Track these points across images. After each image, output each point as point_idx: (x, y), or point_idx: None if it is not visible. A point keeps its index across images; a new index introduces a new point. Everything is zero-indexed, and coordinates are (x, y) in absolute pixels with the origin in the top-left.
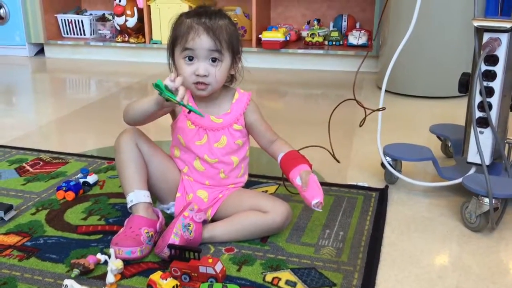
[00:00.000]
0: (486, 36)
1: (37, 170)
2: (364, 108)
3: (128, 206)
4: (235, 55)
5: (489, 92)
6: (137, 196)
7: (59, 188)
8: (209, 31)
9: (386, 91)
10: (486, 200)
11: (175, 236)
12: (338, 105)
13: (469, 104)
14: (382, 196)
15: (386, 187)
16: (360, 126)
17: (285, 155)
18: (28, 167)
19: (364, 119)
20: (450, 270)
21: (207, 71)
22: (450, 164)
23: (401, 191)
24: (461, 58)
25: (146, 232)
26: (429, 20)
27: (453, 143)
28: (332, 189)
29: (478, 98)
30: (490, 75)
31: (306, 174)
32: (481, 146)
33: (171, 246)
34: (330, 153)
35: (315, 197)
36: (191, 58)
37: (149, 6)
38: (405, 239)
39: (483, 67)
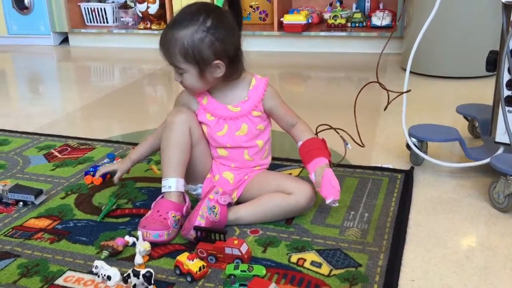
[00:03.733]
0: None
1: (65, 156)
2: (388, 91)
3: (163, 190)
4: (206, 64)
5: None
6: (178, 184)
7: (87, 173)
8: (161, 46)
9: (410, 72)
10: None
11: (201, 218)
12: (361, 88)
13: (497, 83)
14: (408, 177)
15: (412, 168)
16: (385, 110)
17: (303, 145)
18: (56, 153)
19: (389, 102)
20: (477, 250)
21: (177, 78)
22: (477, 145)
23: (426, 172)
24: (487, 36)
25: (173, 216)
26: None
27: (481, 123)
28: (356, 171)
29: (506, 76)
30: None
31: (321, 171)
32: (509, 125)
33: (197, 228)
34: (353, 138)
35: (328, 196)
36: None
37: None
38: (431, 220)
39: None
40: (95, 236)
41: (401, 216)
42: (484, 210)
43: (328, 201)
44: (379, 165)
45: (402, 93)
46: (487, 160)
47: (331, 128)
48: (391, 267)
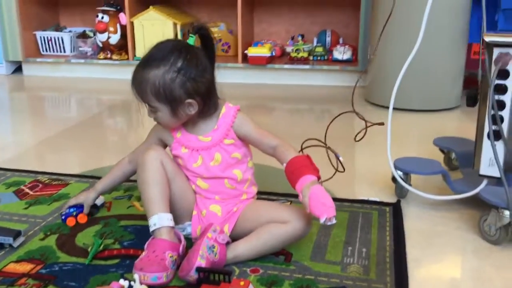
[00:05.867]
0: (496, 51)
1: (38, 193)
2: (365, 121)
3: (151, 229)
4: (178, 103)
5: (501, 105)
6: (161, 220)
7: (67, 216)
8: (133, 85)
9: (376, 104)
10: (507, 212)
11: (201, 258)
12: (336, 116)
13: (479, 117)
14: (396, 210)
15: (398, 201)
16: (357, 141)
17: (287, 166)
18: (27, 190)
19: (365, 132)
20: (480, 284)
21: (150, 115)
22: (455, 177)
23: (411, 205)
24: (447, 72)
25: (170, 256)
26: (417, 35)
27: (460, 156)
28: (344, 205)
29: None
30: (501, 89)
31: (307, 190)
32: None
33: (199, 269)
34: (335, 154)
35: (321, 215)
36: None
37: (132, 23)
38: (428, 255)
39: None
40: (85, 280)
41: (398, 251)
42: (475, 243)
43: (322, 221)
44: (366, 198)
45: (378, 123)
46: (473, 193)
47: (317, 145)
48: None
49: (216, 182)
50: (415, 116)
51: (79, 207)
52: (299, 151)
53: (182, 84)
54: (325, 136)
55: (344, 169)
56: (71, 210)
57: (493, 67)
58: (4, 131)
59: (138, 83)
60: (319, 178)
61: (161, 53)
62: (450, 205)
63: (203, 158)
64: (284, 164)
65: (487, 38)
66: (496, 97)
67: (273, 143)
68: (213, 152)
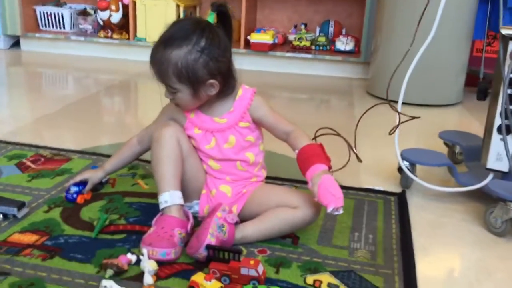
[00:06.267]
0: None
1: (40, 167)
2: (399, 113)
3: (161, 206)
4: (200, 84)
5: None
6: (173, 197)
7: (77, 193)
8: (152, 65)
9: (377, 97)
10: None
11: (211, 236)
12: (369, 108)
13: (489, 111)
14: (401, 200)
15: (403, 191)
16: (391, 134)
17: (299, 153)
18: (29, 163)
19: (398, 126)
20: (487, 275)
21: (168, 96)
22: (460, 171)
23: (415, 195)
24: (450, 69)
25: (179, 233)
26: (423, 30)
27: (465, 150)
28: (350, 192)
29: (501, 106)
30: None
31: (317, 179)
32: (504, 153)
33: (210, 247)
34: (351, 147)
35: (329, 204)
36: None
37: (134, 2)
38: (434, 243)
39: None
40: (91, 253)
41: (405, 239)
42: (480, 234)
43: (329, 210)
44: (371, 187)
45: (413, 117)
46: (481, 185)
47: (331, 133)
48: None
49: (229, 163)
50: (417, 110)
51: (84, 185)
52: (312, 139)
53: (205, 64)
54: (356, 127)
55: (360, 160)
56: (80, 187)
57: (508, 61)
58: (1, 105)
59: (159, 64)
60: (330, 168)
61: (182, 32)
62: (454, 197)
63: (216, 139)
64: (296, 151)
65: (504, 31)
66: (509, 91)
67: (287, 128)
68: (228, 135)
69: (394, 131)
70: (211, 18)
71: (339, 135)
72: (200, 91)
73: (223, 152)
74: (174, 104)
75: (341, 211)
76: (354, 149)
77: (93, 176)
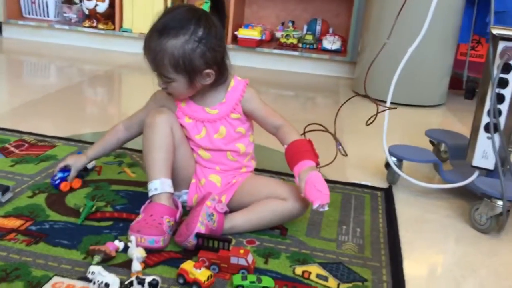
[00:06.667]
0: (502, 44)
1: (23, 152)
2: (377, 104)
3: (151, 193)
4: (197, 73)
5: (500, 98)
6: (163, 185)
7: (61, 180)
8: (147, 54)
9: (364, 96)
10: (499, 202)
11: (201, 225)
12: (346, 101)
13: (477, 110)
14: (388, 195)
15: (390, 187)
16: (368, 124)
17: (288, 148)
18: (12, 148)
19: (375, 117)
20: (470, 270)
21: (161, 85)
22: (445, 168)
23: (401, 191)
24: (437, 71)
25: (168, 221)
26: (409, 31)
27: (451, 148)
28: (337, 187)
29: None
30: (503, 83)
31: (305, 174)
32: (489, 151)
33: (199, 235)
34: (336, 143)
35: (314, 201)
36: None
37: None
38: (420, 238)
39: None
40: (77, 239)
41: (391, 233)
42: (465, 231)
43: (315, 206)
44: (358, 182)
45: (391, 108)
46: (467, 182)
47: (318, 129)
48: (396, 283)
49: (219, 153)
50: (402, 110)
51: (69, 171)
52: (301, 135)
53: (202, 54)
54: (335, 121)
55: (346, 154)
56: (65, 174)
57: (497, 60)
58: None
59: (154, 53)
60: (317, 164)
61: (178, 21)
62: (439, 194)
63: (207, 130)
64: (285, 146)
65: (495, 31)
66: (497, 90)
67: (277, 123)
68: (218, 125)
69: (371, 122)
70: (207, 6)
71: (327, 130)
72: (196, 81)
73: (213, 142)
74: (166, 92)
75: (326, 208)
76: (340, 143)
77: (77, 161)
